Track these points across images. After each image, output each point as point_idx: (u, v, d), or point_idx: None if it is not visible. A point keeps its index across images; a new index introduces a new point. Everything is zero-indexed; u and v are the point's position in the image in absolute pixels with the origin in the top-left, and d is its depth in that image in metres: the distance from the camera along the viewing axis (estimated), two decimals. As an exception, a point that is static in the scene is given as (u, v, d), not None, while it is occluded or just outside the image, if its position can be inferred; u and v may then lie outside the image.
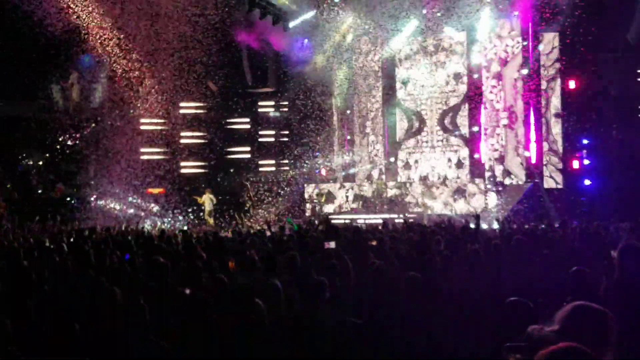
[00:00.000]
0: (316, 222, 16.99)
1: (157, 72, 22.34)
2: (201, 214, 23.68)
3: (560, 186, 22.17)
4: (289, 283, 6.55)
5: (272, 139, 26.86)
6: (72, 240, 12.42)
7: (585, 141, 21.83)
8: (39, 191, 22.96)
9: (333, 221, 17.26)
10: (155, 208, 23.33)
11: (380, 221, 16.69)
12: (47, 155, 22.94)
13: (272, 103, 26.67)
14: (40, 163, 23.38)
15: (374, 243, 9.52)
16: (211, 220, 23.04)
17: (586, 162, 21.81)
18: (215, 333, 5.40)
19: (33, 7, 19.07)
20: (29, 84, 20.49)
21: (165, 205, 23.56)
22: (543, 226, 13.74)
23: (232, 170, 26.02)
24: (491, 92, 23.75)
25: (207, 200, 23.48)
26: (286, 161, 26.31)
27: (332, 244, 8.50)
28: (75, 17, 20.32)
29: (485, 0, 22.58)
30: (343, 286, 6.72)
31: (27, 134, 22.38)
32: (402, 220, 17.55)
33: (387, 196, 23.84)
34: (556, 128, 22.44)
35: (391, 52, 25.29)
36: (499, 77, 23.62)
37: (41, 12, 19.33)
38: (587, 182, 21.61)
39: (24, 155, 23.01)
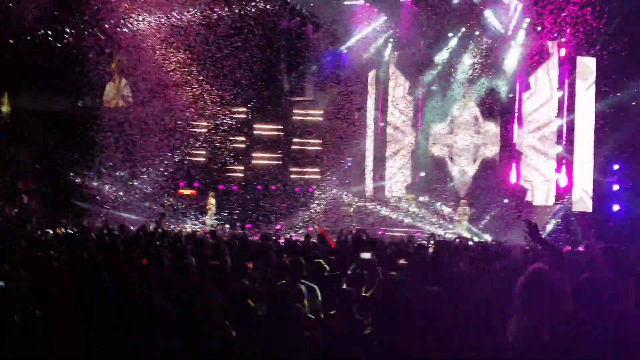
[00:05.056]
0: (345, 232, 17.02)
1: (198, 78, 22.63)
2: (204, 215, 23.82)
3: (589, 210, 21.97)
4: (313, 289, 6.70)
5: (305, 147, 26.90)
6: (101, 236, 12.60)
7: (615, 167, 21.62)
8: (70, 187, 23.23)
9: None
10: (186, 209, 23.54)
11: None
12: (83, 151, 23.19)
13: (307, 111, 26.73)
14: (75, 159, 23.71)
15: (402, 262, 9.45)
16: (211, 221, 23.07)
17: (616, 187, 21.60)
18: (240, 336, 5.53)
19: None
20: (69, 80, 20.78)
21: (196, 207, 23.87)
22: (568, 248, 13.64)
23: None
24: (524, 112, 23.67)
25: (212, 203, 23.65)
26: (317, 170, 26.38)
27: (368, 255, 8.52)
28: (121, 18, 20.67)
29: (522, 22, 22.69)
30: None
31: (65, 130, 22.75)
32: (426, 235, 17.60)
33: (414, 210, 23.91)
34: (588, 152, 22.21)
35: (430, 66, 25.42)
36: (532, 97, 23.54)
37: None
38: (615, 207, 21.41)
39: (61, 150, 23.30)
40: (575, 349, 3.95)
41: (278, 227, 23.17)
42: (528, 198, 23.11)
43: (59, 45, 20.36)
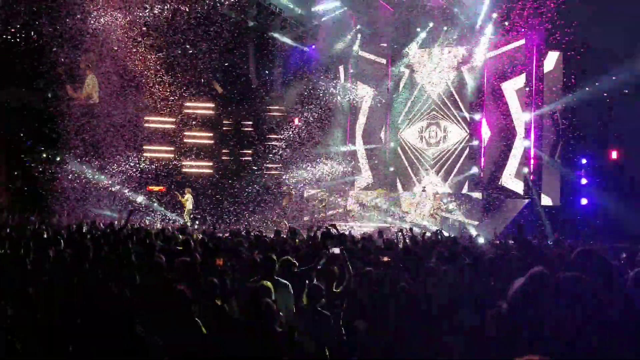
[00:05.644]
0: (314, 227, 16.98)
1: (165, 71, 22.40)
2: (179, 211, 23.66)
3: (557, 204, 22.24)
4: (284, 286, 6.70)
5: (275, 143, 26.70)
6: (71, 233, 12.43)
7: (583, 160, 21.92)
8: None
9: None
10: (155, 205, 23.32)
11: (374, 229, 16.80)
12: (52, 146, 22.79)
13: (276, 107, 26.57)
14: (44, 155, 23.33)
15: (386, 259, 9.38)
16: (188, 219, 22.87)
17: (584, 181, 21.90)
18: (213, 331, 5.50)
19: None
20: (36, 74, 20.45)
21: (165, 203, 23.65)
22: (535, 242, 13.74)
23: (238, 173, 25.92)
24: (493, 106, 23.86)
25: (189, 199, 23.50)
26: (287, 166, 26.22)
27: (337, 250, 8.54)
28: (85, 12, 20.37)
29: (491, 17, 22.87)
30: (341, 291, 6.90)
31: (33, 125, 22.35)
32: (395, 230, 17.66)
33: (385, 205, 24.00)
34: (555, 146, 22.47)
35: (399, 61, 25.55)
36: (501, 92, 23.72)
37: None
38: (583, 201, 21.71)
39: (29, 145, 22.90)
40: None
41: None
42: (497, 192, 23.28)
43: (31, 40, 20.01)
